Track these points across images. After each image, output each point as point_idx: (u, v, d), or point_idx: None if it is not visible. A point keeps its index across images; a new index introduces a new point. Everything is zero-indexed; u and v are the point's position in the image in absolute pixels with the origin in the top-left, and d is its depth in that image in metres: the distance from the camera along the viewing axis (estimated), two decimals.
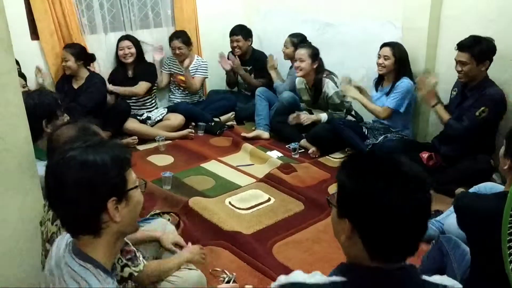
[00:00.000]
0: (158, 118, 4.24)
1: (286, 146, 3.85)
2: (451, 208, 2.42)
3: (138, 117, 4.18)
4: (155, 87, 4.37)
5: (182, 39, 4.27)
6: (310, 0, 4.33)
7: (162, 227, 2.11)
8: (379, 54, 3.47)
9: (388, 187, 0.96)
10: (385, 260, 0.99)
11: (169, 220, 2.34)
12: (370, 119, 3.81)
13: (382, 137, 3.50)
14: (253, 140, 4.03)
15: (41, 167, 1.84)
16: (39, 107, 2.09)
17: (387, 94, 3.51)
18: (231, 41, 4.51)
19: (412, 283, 1.01)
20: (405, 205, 0.95)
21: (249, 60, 4.59)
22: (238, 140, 4.02)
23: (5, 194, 1.72)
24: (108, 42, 4.19)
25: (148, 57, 4.35)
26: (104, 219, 1.13)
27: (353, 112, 3.98)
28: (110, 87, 4.03)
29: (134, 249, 1.59)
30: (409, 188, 0.97)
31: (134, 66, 4.16)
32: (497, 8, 3.03)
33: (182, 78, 4.39)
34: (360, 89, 3.69)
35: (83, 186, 1.10)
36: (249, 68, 4.59)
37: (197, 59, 4.46)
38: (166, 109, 4.37)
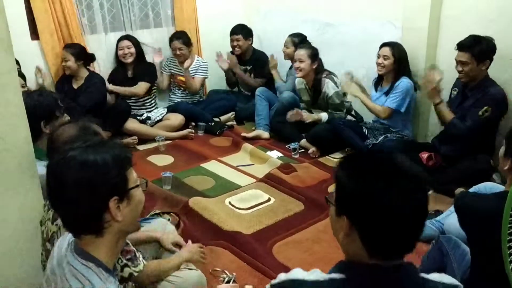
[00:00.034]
0: (158, 118, 4.24)
1: (286, 146, 3.85)
2: (451, 208, 2.42)
3: (138, 117, 4.18)
4: (154, 87, 4.36)
5: (182, 40, 4.27)
6: (310, 0, 4.33)
7: (162, 227, 2.11)
8: (378, 54, 3.47)
9: (388, 187, 0.96)
10: (383, 257, 0.99)
11: (169, 220, 2.34)
12: (370, 119, 3.81)
13: (382, 137, 3.50)
14: (253, 140, 4.03)
15: (41, 167, 1.85)
16: (39, 108, 2.08)
17: (386, 94, 3.51)
18: (231, 40, 4.51)
19: (411, 281, 1.02)
20: (405, 205, 0.96)
21: (249, 60, 4.59)
22: (238, 140, 4.02)
23: (5, 194, 1.72)
24: (108, 42, 4.19)
25: (148, 58, 4.35)
26: (106, 218, 1.14)
27: (353, 112, 3.98)
28: (110, 86, 4.03)
29: (134, 249, 1.60)
30: (409, 188, 0.98)
31: (134, 66, 4.16)
32: (497, 8, 3.03)
33: (182, 79, 4.39)
34: (362, 88, 3.69)
35: (84, 186, 1.11)
36: (249, 68, 4.59)
37: (197, 60, 4.46)
38: (165, 109, 4.37)
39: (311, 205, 2.93)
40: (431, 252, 2.05)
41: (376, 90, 3.65)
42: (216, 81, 4.78)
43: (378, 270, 0.99)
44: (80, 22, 3.97)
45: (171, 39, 4.34)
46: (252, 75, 4.59)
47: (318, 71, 3.78)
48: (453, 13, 3.30)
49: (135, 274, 1.54)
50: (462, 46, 2.89)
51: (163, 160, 3.69)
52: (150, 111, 4.31)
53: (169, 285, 1.77)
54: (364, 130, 3.62)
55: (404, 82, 3.41)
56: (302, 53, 3.73)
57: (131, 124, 4.01)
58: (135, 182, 1.20)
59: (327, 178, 3.31)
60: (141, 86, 4.14)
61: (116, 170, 1.14)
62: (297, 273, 1.06)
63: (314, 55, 3.73)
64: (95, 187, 1.11)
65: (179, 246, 2.02)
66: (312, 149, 3.74)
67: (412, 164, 1.02)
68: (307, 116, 3.81)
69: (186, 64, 4.24)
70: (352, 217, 0.99)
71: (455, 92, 3.15)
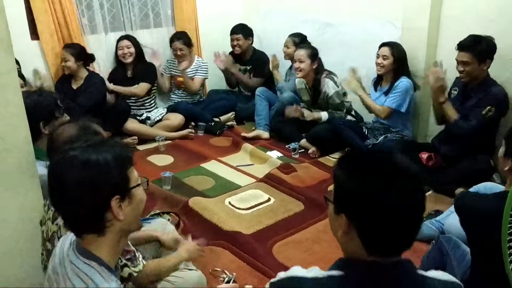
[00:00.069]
0: (158, 118, 4.24)
1: (286, 146, 3.85)
2: (451, 208, 2.42)
3: (138, 117, 4.18)
4: (154, 88, 4.36)
5: (183, 41, 4.27)
6: (310, 0, 4.33)
7: (162, 227, 2.10)
8: (377, 54, 3.47)
9: (388, 187, 0.97)
10: (381, 255, 1.00)
11: (169, 220, 2.34)
12: (370, 119, 3.81)
13: (382, 137, 3.50)
14: (253, 140, 4.03)
15: (41, 167, 1.85)
16: (38, 108, 2.08)
17: (386, 94, 3.51)
18: (232, 40, 4.51)
19: (409, 277, 1.03)
20: (404, 204, 0.98)
21: (249, 60, 4.59)
22: (238, 140, 4.02)
23: (5, 194, 1.72)
24: (108, 42, 4.19)
25: (148, 58, 4.35)
26: (108, 217, 1.14)
27: (353, 112, 3.98)
28: (111, 86, 4.03)
29: (134, 249, 1.60)
30: (409, 188, 0.99)
31: (134, 66, 4.16)
32: (497, 8, 3.03)
33: (182, 80, 4.40)
34: (362, 87, 3.69)
35: (85, 185, 1.11)
36: (248, 68, 4.59)
37: (198, 60, 4.46)
38: (165, 109, 4.37)
39: (311, 205, 2.93)
40: (431, 252, 2.05)
41: (375, 90, 3.65)
42: (216, 81, 4.78)
43: (377, 267, 1.00)
44: (80, 22, 3.97)
45: (171, 40, 4.33)
46: (251, 75, 4.59)
47: (318, 71, 3.78)
48: (453, 13, 3.30)
49: (135, 274, 1.54)
50: (462, 46, 2.89)
51: (163, 160, 3.69)
52: (149, 111, 4.31)
53: (169, 285, 1.77)
54: (364, 130, 3.63)
55: (403, 82, 3.41)
56: (301, 53, 3.73)
57: (131, 124, 4.01)
58: (136, 181, 1.21)
59: (327, 178, 3.31)
60: (142, 87, 4.14)
61: (117, 169, 1.14)
62: (296, 271, 1.07)
63: (313, 55, 3.73)
64: (96, 186, 1.11)
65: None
66: (312, 149, 3.74)
67: (411, 163, 1.03)
68: (307, 114, 3.81)
69: (182, 65, 4.23)
70: (351, 215, 1.01)
71: (455, 92, 3.15)
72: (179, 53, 4.28)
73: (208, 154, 3.78)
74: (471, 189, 2.39)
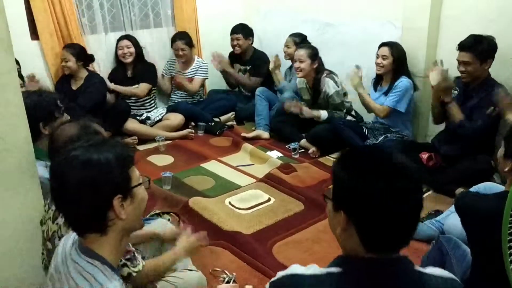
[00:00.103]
0: (158, 118, 4.24)
1: (286, 146, 3.85)
2: (451, 208, 2.42)
3: (138, 117, 4.18)
4: (154, 88, 4.36)
5: (185, 41, 4.27)
6: (310, 0, 4.33)
7: (162, 227, 2.10)
8: (377, 54, 3.47)
9: (389, 187, 0.97)
10: (379, 251, 1.01)
11: (169, 220, 2.34)
12: (370, 119, 3.81)
13: (382, 137, 3.50)
14: (253, 140, 4.03)
15: (40, 168, 1.85)
16: (38, 108, 2.08)
17: (386, 94, 3.51)
18: (232, 40, 4.51)
19: (406, 274, 1.04)
20: (404, 205, 0.99)
21: (249, 60, 4.58)
22: (238, 140, 4.02)
23: (5, 194, 1.72)
24: (108, 42, 4.19)
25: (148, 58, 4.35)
26: (110, 217, 1.14)
27: (353, 112, 3.98)
28: (112, 85, 4.02)
29: (133, 249, 1.60)
30: (409, 188, 1.00)
31: (134, 66, 4.16)
32: (497, 8, 3.04)
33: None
34: (363, 87, 3.69)
35: (87, 185, 1.11)
36: (248, 68, 4.59)
37: (198, 60, 4.46)
38: (165, 109, 4.37)
39: (311, 205, 2.93)
40: (431, 252, 2.05)
41: (375, 90, 3.65)
42: (216, 81, 4.78)
43: (374, 264, 1.01)
44: (80, 22, 3.97)
45: (173, 40, 4.33)
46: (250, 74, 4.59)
47: (318, 71, 3.77)
48: (453, 13, 3.30)
49: (134, 274, 1.54)
50: (463, 46, 2.88)
51: (163, 160, 3.69)
52: (149, 111, 4.31)
53: (169, 285, 1.77)
54: (364, 130, 3.63)
55: (403, 82, 3.41)
56: (302, 53, 3.73)
57: (131, 124, 4.01)
58: (138, 180, 1.21)
59: (327, 178, 3.31)
60: (142, 87, 4.14)
61: (119, 169, 1.15)
62: (295, 269, 1.08)
63: (314, 54, 3.73)
64: (98, 186, 1.11)
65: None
66: (312, 149, 3.74)
67: (410, 163, 1.04)
68: (306, 111, 3.80)
69: (180, 67, 4.23)
70: (349, 212, 1.01)
71: (455, 92, 3.13)
72: (180, 53, 4.28)
73: (208, 154, 3.78)
74: (471, 189, 2.39)
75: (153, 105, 4.37)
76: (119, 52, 4.09)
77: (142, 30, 4.37)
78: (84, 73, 3.82)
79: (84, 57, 3.81)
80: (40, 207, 1.76)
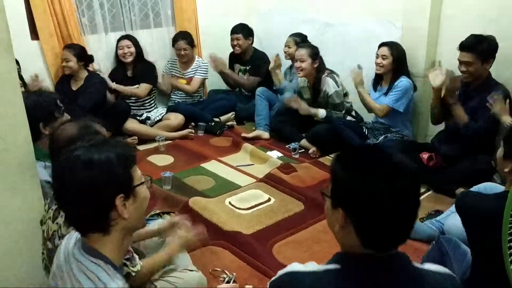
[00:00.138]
0: (158, 118, 4.24)
1: (286, 146, 3.85)
2: (452, 208, 2.42)
3: (138, 117, 4.18)
4: (155, 88, 4.36)
5: (187, 41, 4.27)
6: (310, 0, 4.33)
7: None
8: (377, 54, 3.47)
9: (389, 187, 0.97)
10: (378, 248, 1.02)
11: None
12: (370, 119, 3.81)
13: (382, 137, 3.50)
14: (253, 140, 4.03)
15: (40, 168, 1.85)
16: (38, 108, 2.08)
17: (386, 94, 3.51)
18: (232, 40, 4.51)
19: (404, 270, 1.04)
20: (405, 204, 0.99)
21: (249, 60, 4.58)
22: (238, 140, 4.02)
23: (5, 194, 1.73)
24: (108, 42, 4.19)
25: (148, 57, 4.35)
26: (112, 216, 1.14)
27: (353, 112, 3.98)
28: (113, 85, 4.02)
29: (132, 249, 1.60)
30: (409, 189, 1.00)
31: (134, 66, 4.16)
32: (497, 8, 3.04)
33: (183, 81, 4.40)
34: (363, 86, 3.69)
35: (89, 185, 1.11)
36: (248, 68, 4.59)
37: (198, 60, 4.46)
38: (165, 109, 4.37)
39: (311, 205, 2.93)
40: (431, 252, 2.05)
41: (375, 91, 3.65)
42: (216, 81, 4.78)
43: (372, 260, 1.02)
44: (80, 22, 3.97)
45: (175, 39, 4.32)
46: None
47: (319, 70, 3.78)
48: (453, 13, 3.30)
49: (133, 274, 1.54)
50: (464, 46, 2.87)
51: (163, 160, 3.69)
52: (149, 111, 4.31)
53: (169, 285, 1.77)
54: (364, 130, 3.63)
55: (403, 82, 3.41)
56: (302, 52, 3.73)
57: (131, 124, 4.01)
58: (140, 179, 1.22)
59: (327, 178, 3.29)
60: (143, 88, 4.14)
61: (120, 168, 1.15)
62: (294, 266, 1.09)
63: (314, 54, 3.73)
64: (100, 186, 1.12)
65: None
66: (312, 149, 3.74)
67: (410, 162, 1.04)
68: (304, 107, 3.79)
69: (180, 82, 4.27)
70: (348, 209, 1.02)
71: (457, 92, 3.14)
72: (182, 52, 4.28)
73: (208, 154, 3.78)
74: (472, 189, 2.39)
75: (153, 105, 4.37)
76: (119, 52, 4.09)
77: (142, 30, 4.37)
78: (84, 74, 3.82)
79: (85, 58, 3.81)
80: (40, 207, 1.76)
